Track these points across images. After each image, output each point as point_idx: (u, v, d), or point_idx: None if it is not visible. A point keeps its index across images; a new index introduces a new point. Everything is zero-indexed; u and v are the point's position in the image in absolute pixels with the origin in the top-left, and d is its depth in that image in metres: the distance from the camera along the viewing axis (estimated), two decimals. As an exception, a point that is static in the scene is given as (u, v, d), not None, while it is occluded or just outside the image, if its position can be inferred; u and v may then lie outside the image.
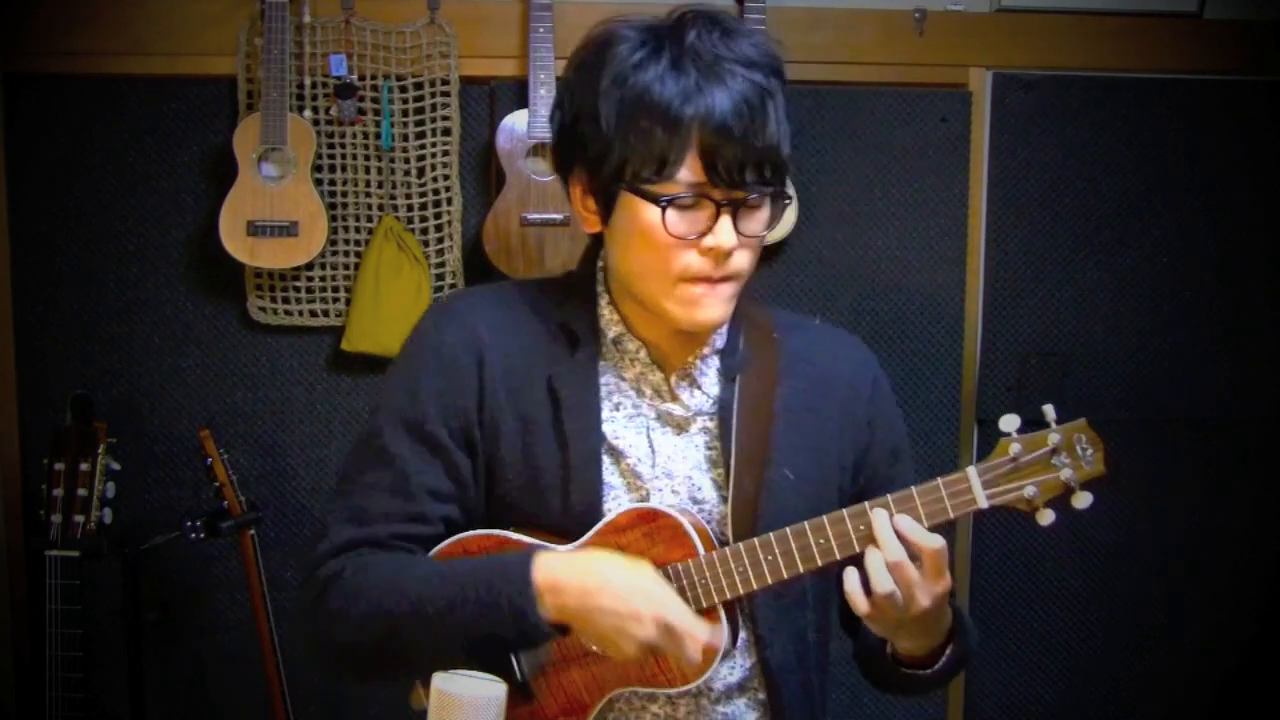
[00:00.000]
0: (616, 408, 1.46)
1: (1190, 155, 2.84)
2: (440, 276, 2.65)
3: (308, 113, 2.58)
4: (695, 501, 1.45)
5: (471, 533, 1.44)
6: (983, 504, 1.32)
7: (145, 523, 2.55)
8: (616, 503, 1.43)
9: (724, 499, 1.44)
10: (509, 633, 1.33)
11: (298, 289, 2.64)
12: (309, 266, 2.61)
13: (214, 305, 2.66)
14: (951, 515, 1.33)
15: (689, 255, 1.35)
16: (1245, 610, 2.94)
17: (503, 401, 1.43)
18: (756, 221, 1.38)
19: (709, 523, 1.44)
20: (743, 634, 1.46)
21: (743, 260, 1.39)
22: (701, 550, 1.37)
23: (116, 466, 2.35)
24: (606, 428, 1.44)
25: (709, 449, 1.47)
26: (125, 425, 2.58)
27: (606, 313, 1.48)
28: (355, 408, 2.70)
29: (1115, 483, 3.12)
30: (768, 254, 2.71)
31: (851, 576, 1.32)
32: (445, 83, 2.62)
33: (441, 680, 1.33)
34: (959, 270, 2.81)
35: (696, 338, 1.47)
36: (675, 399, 1.47)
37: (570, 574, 1.33)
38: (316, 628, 1.42)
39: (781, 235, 2.65)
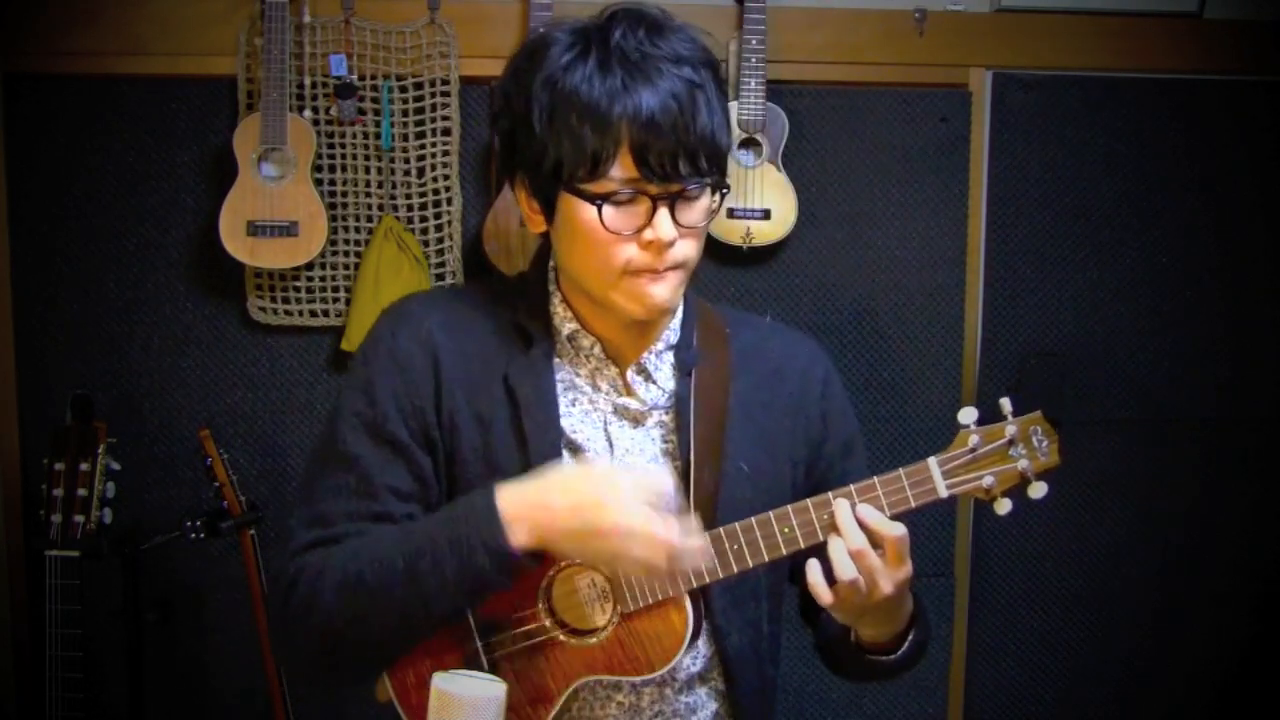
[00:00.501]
0: (573, 403, 1.48)
1: (1190, 155, 2.84)
2: (440, 276, 2.65)
3: (308, 113, 2.58)
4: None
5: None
6: (942, 493, 1.37)
7: (145, 523, 2.55)
8: None
9: (682, 490, 1.46)
10: (484, 565, 1.32)
11: (298, 289, 2.64)
12: (309, 266, 2.61)
13: (214, 305, 2.66)
14: (913, 504, 1.37)
15: (629, 249, 1.39)
16: (1245, 610, 2.95)
17: (460, 401, 1.44)
18: (696, 212, 1.40)
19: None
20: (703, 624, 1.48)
21: (686, 249, 1.41)
22: None
23: (116, 466, 2.35)
24: (564, 423, 1.47)
25: (665, 441, 1.50)
26: (125, 425, 2.58)
27: (560, 310, 1.50)
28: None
29: (1115, 483, 3.13)
30: (767, 254, 2.72)
31: (814, 567, 1.37)
32: (445, 83, 2.62)
33: (441, 680, 1.33)
34: (959, 270, 2.81)
35: (649, 332, 1.50)
36: (631, 393, 1.50)
37: (536, 492, 1.35)
38: (287, 625, 1.42)
39: (781, 235, 2.65)
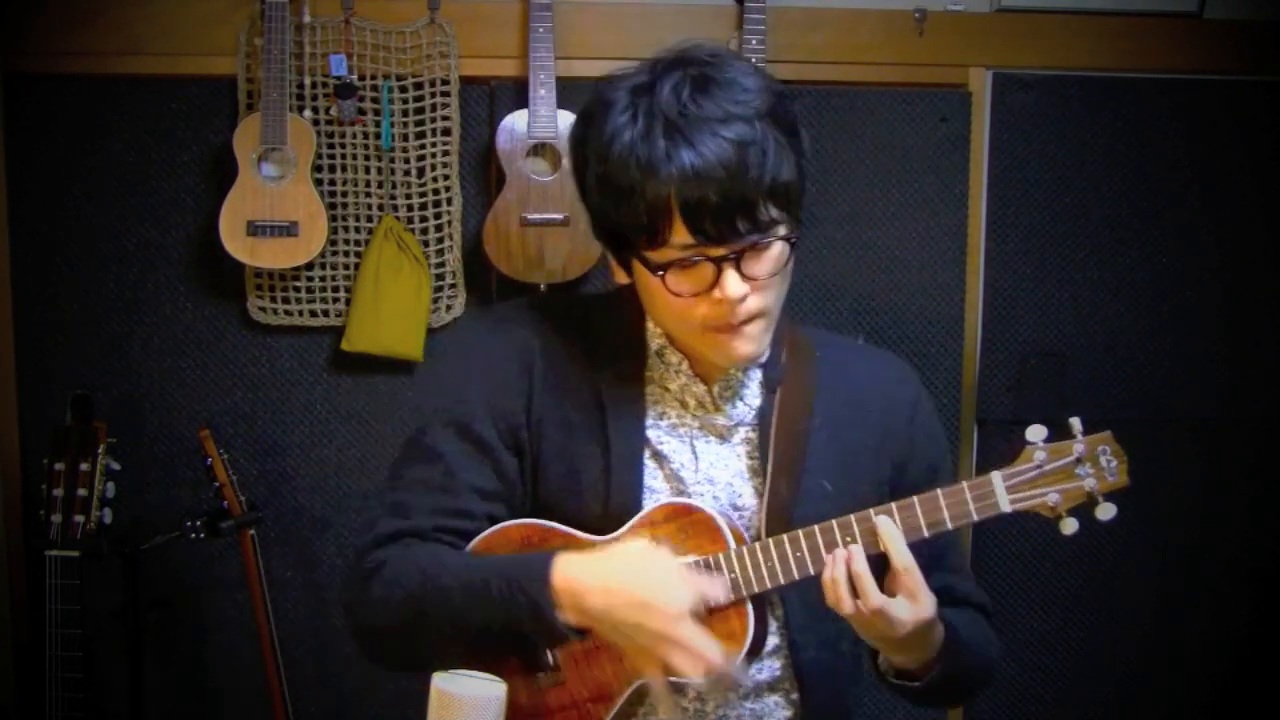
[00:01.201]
0: (661, 416, 1.49)
1: (1190, 155, 2.84)
2: (440, 276, 2.65)
3: (308, 113, 2.58)
4: (735, 508, 1.48)
5: (516, 521, 1.47)
6: (1005, 508, 1.35)
7: (145, 523, 2.56)
8: (657, 505, 1.46)
9: (761, 507, 1.46)
10: (529, 630, 1.36)
11: (298, 289, 2.64)
12: (309, 266, 2.61)
13: (214, 305, 2.66)
14: (975, 518, 1.36)
15: (702, 307, 1.38)
16: (1245, 610, 2.94)
17: (549, 404, 1.46)
18: (766, 263, 1.38)
19: (746, 529, 1.46)
20: (775, 639, 1.48)
21: (762, 301, 1.40)
22: (732, 544, 1.40)
23: (116, 466, 2.35)
24: (650, 433, 1.48)
25: (750, 458, 1.50)
26: (125, 425, 2.58)
27: (650, 326, 1.51)
28: (355, 408, 2.70)
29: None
30: (768, 254, 2.71)
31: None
32: (445, 83, 2.62)
33: (441, 680, 1.33)
34: (959, 270, 2.81)
35: None
36: (718, 409, 1.50)
37: (591, 575, 1.36)
38: (359, 618, 1.47)
39: (781, 235, 2.65)
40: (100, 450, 2.32)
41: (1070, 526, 1.37)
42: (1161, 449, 2.88)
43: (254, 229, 2.51)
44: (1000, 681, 2.91)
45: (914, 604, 1.34)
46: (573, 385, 1.47)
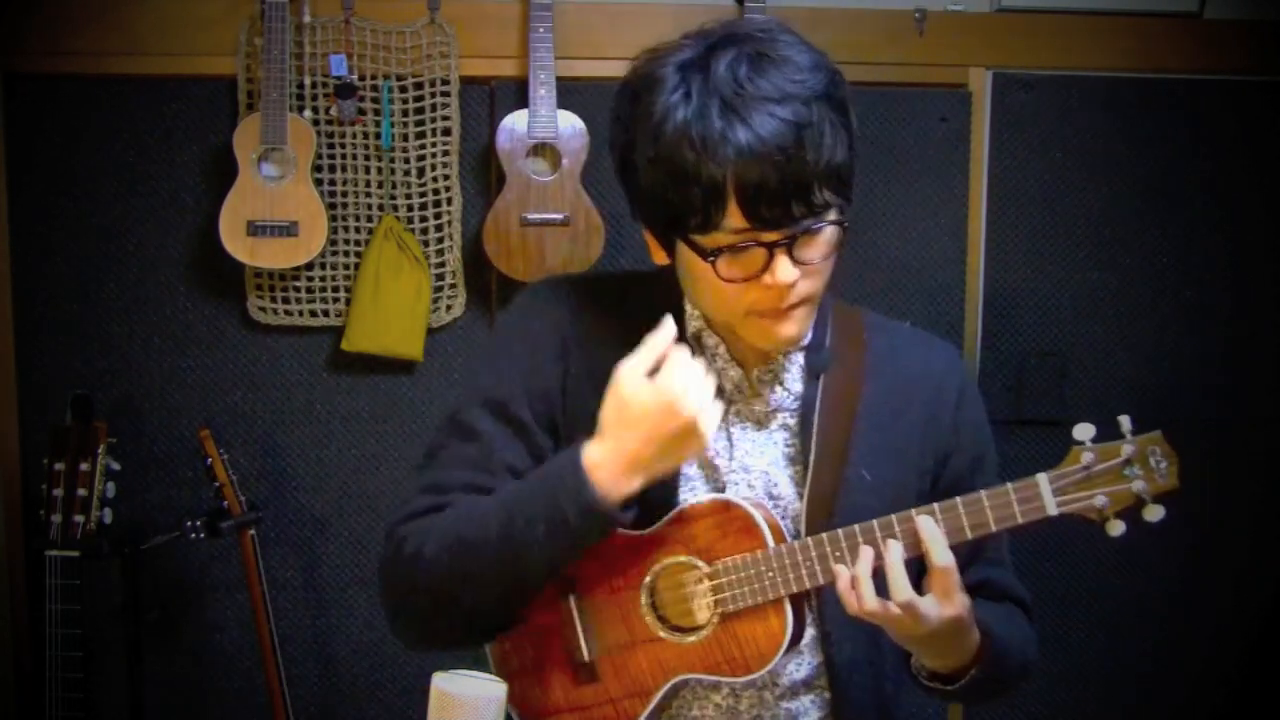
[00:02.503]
0: None
1: (1190, 155, 2.84)
2: (440, 276, 2.65)
3: (308, 113, 2.58)
4: (771, 497, 1.46)
5: None
6: (1052, 511, 1.32)
7: (145, 523, 2.56)
8: (693, 493, 1.45)
9: (800, 495, 1.45)
10: (574, 522, 1.33)
11: (298, 289, 2.64)
12: (309, 266, 2.61)
13: (214, 305, 2.66)
14: (1020, 520, 1.32)
15: (750, 292, 1.35)
16: (1246, 612, 2.94)
17: (586, 387, 1.44)
18: (818, 247, 1.36)
19: (784, 519, 1.45)
20: (811, 631, 1.47)
21: (810, 286, 1.38)
22: (771, 542, 1.39)
23: (116, 466, 2.35)
24: None
25: (788, 445, 1.47)
26: (125, 425, 2.58)
27: (688, 308, 1.49)
28: (355, 408, 2.70)
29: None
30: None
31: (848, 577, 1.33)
32: (445, 83, 2.62)
33: (441, 680, 1.33)
34: (959, 270, 2.81)
35: None
36: (756, 395, 1.48)
37: (611, 438, 1.34)
38: (395, 582, 1.44)
39: (782, 235, 2.65)
40: (100, 450, 2.32)
41: (1117, 529, 1.32)
42: (1161, 449, 2.88)
43: (254, 229, 2.51)
44: (1000, 681, 2.90)
45: (944, 602, 1.31)
46: (608, 368, 1.42)
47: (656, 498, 1.42)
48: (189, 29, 2.60)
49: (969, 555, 1.43)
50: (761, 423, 1.48)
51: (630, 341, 1.42)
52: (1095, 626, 2.92)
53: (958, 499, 1.33)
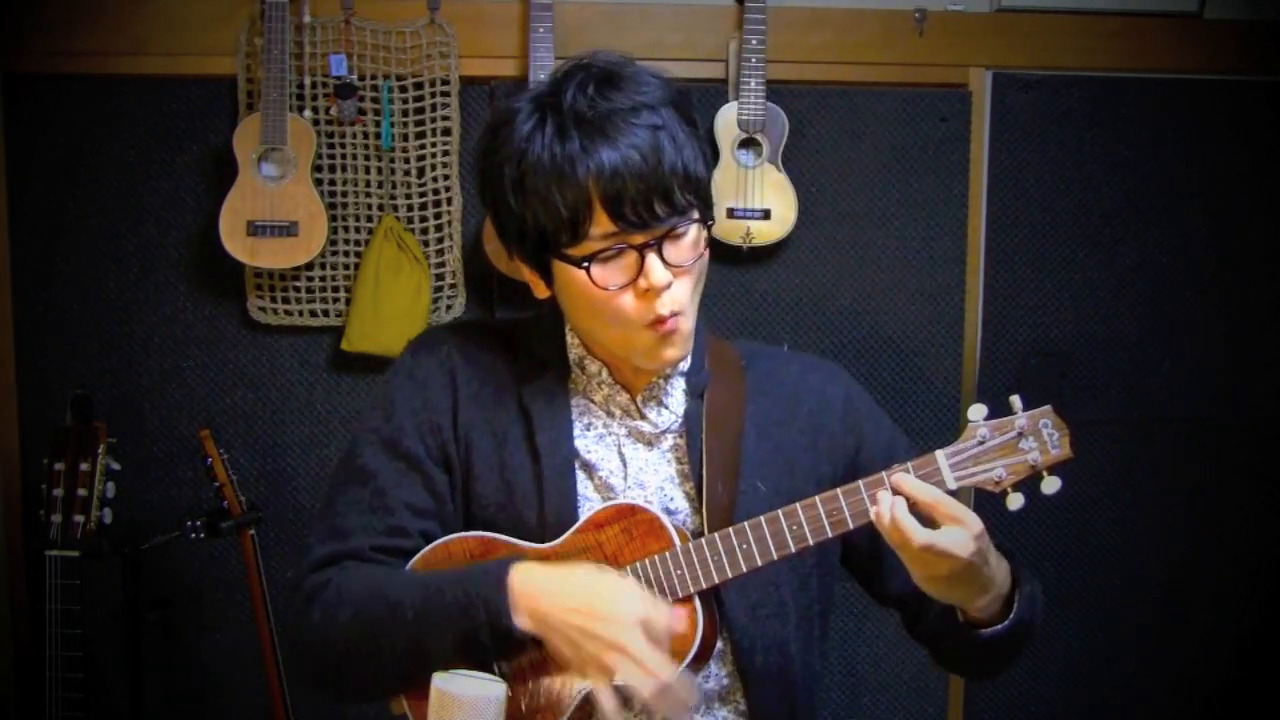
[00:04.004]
0: (587, 427, 1.50)
1: (1190, 155, 2.84)
2: (440, 276, 2.65)
3: (308, 113, 2.58)
4: (669, 512, 1.48)
5: (455, 535, 1.47)
6: (951, 485, 1.37)
7: (145, 523, 2.55)
8: (591, 511, 1.45)
9: (696, 509, 1.47)
10: (485, 637, 1.35)
11: (298, 289, 2.64)
12: (309, 266, 2.61)
13: (214, 305, 2.67)
14: None
15: (627, 300, 1.38)
16: (1245, 611, 2.94)
17: (475, 418, 1.47)
18: (685, 249, 1.40)
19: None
20: (719, 643, 1.47)
21: (684, 289, 1.41)
22: (677, 541, 1.41)
23: (116, 466, 2.35)
24: (578, 443, 1.49)
25: (679, 463, 1.50)
26: (125, 425, 2.58)
27: (569, 338, 1.52)
28: (355, 408, 2.70)
29: (1115, 482, 3.12)
30: (767, 254, 2.72)
31: (893, 503, 1.33)
32: (445, 83, 2.62)
33: (441, 680, 1.33)
34: (959, 270, 2.81)
35: None
36: (643, 417, 1.51)
37: (545, 580, 1.36)
38: (301, 641, 1.46)
39: (781, 235, 2.65)
40: (100, 450, 2.31)
41: (1016, 501, 1.38)
42: (1161, 449, 2.88)
43: (254, 229, 2.52)
44: (1000, 683, 2.91)
45: (962, 525, 1.31)
46: (498, 399, 1.49)
47: (555, 520, 1.44)
48: (189, 29, 2.60)
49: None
50: (651, 443, 1.50)
51: (518, 373, 1.48)
52: (1093, 627, 2.92)
53: (859, 482, 1.37)
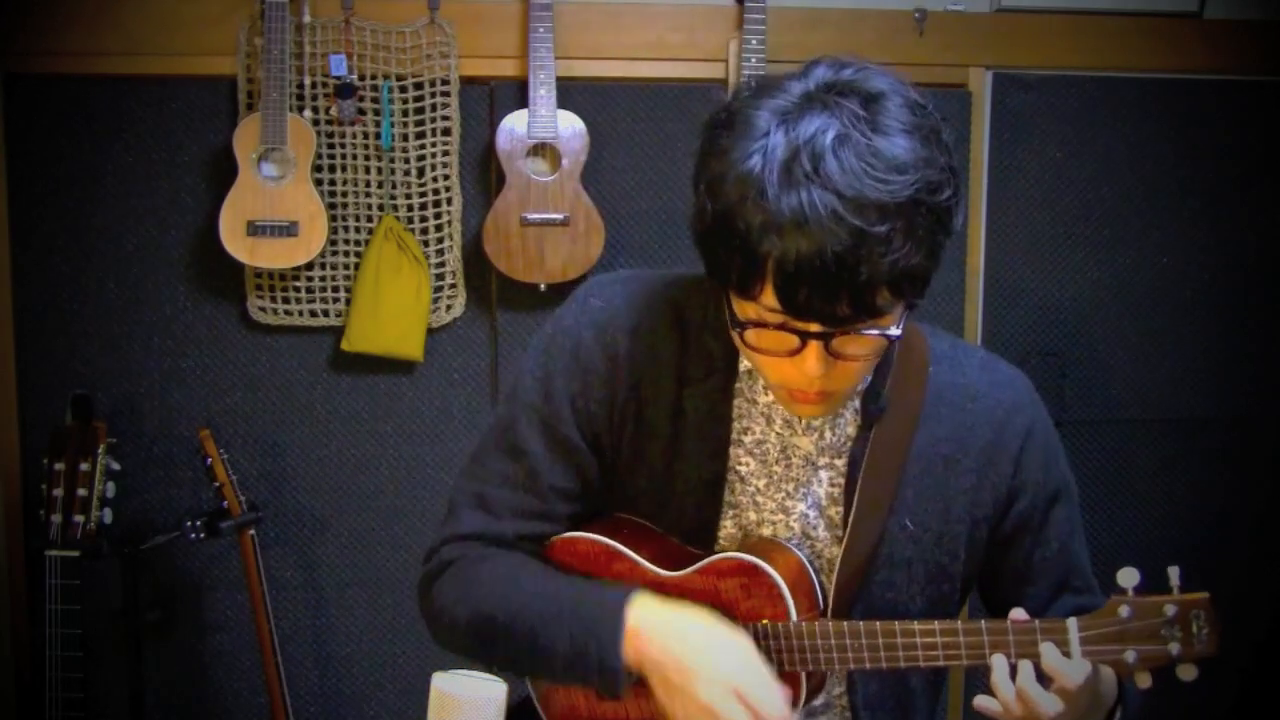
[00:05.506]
0: (745, 433, 1.43)
1: (1190, 155, 2.84)
2: (440, 276, 2.65)
3: (308, 113, 2.58)
4: (808, 537, 1.43)
5: (580, 534, 1.46)
6: (1075, 658, 1.27)
7: (145, 523, 2.56)
8: (734, 523, 1.43)
9: (837, 539, 1.42)
10: (590, 669, 1.34)
11: (298, 289, 2.64)
12: (309, 266, 2.61)
13: (214, 305, 2.66)
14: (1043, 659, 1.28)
15: (781, 366, 1.26)
16: (1246, 611, 2.94)
17: (633, 410, 1.42)
18: (861, 345, 1.25)
19: (817, 558, 1.43)
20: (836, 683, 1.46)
21: (844, 379, 1.28)
22: (794, 615, 1.36)
23: (116, 466, 2.35)
24: (732, 450, 1.42)
25: (832, 485, 1.42)
26: (125, 425, 2.58)
27: None
28: (355, 408, 2.70)
29: (1115, 482, 3.11)
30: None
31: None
32: (445, 83, 2.62)
33: (441, 680, 1.33)
34: (959, 270, 2.81)
35: None
36: (804, 434, 1.42)
37: (662, 622, 1.34)
38: (427, 609, 1.47)
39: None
40: (100, 450, 2.32)
41: (1144, 681, 1.28)
42: (1161, 449, 2.88)
43: (254, 229, 2.51)
44: (1000, 681, 2.90)
45: (1074, 697, 1.27)
46: (658, 391, 1.41)
47: (695, 525, 1.42)
48: (189, 29, 2.60)
49: (1054, 586, 1.42)
50: (807, 461, 1.43)
51: (685, 362, 1.40)
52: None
53: (983, 622, 1.30)
